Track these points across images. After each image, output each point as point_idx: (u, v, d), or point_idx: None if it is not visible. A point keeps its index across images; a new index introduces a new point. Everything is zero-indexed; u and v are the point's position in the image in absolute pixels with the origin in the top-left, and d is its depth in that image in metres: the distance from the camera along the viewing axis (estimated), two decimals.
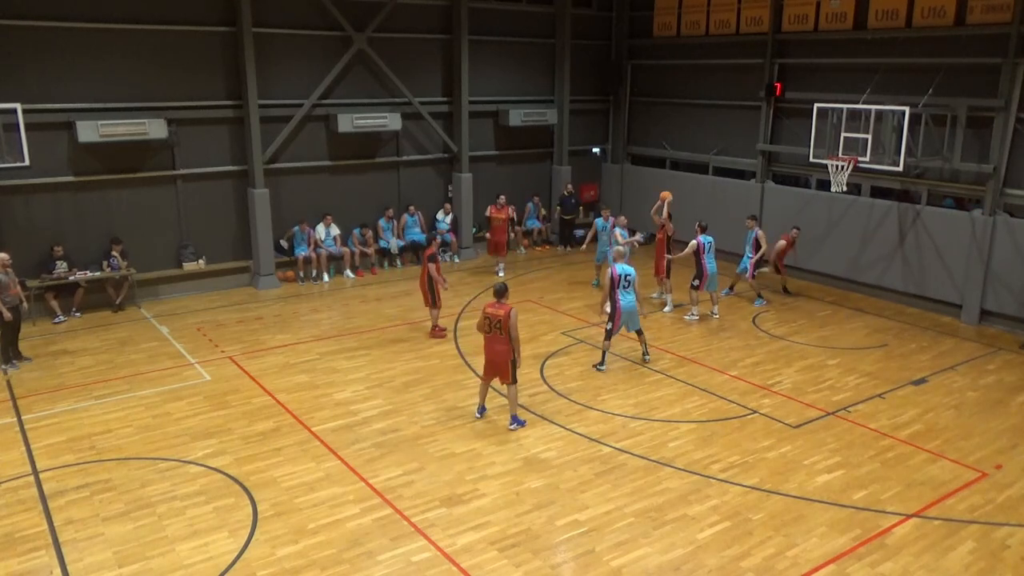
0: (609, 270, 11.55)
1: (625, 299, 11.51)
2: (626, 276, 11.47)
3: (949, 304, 14.58)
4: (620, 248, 12.31)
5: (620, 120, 20.81)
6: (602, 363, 11.76)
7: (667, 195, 14.96)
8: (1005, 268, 13.73)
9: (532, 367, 11.83)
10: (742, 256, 15.27)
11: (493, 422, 9.98)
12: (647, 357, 12.01)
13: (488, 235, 17.41)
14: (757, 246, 14.91)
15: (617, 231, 14.77)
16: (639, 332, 12.00)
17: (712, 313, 14.42)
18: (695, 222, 14.42)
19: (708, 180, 18.76)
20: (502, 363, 9.55)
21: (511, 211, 17.65)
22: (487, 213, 17.40)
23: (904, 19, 14.66)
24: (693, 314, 14.24)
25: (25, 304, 12.12)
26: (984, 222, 13.86)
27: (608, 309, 11.87)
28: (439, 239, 13.29)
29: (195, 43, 14.75)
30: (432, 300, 12.86)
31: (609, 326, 11.66)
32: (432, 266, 12.64)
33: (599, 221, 15.57)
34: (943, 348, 12.99)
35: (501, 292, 9.65)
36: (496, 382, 9.98)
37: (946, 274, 14.53)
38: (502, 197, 17.20)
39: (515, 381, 9.70)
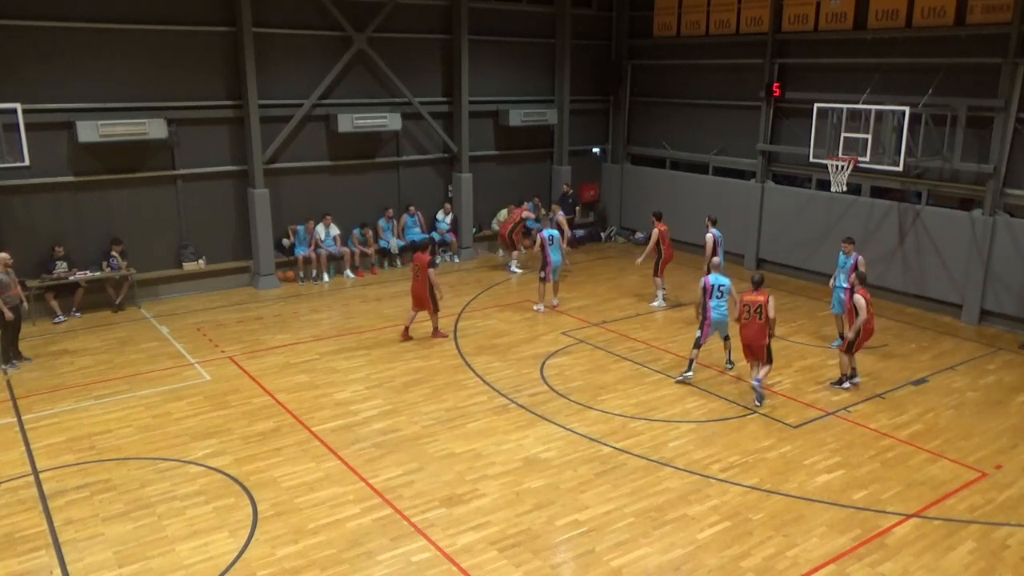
0: (702, 280, 11.48)
1: (716, 309, 11.32)
2: (719, 287, 11.30)
3: (949, 304, 14.58)
4: (716, 260, 12.16)
5: (620, 120, 20.80)
6: (688, 370, 11.42)
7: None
8: (1005, 268, 13.73)
9: (532, 367, 11.84)
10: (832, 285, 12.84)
11: (492, 421, 9.99)
12: (730, 366, 11.79)
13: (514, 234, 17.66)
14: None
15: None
16: (726, 338, 11.85)
17: None
18: (702, 220, 14.59)
19: (708, 180, 18.76)
20: (759, 345, 10.39)
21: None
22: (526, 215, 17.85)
23: (904, 19, 14.66)
24: None
25: (25, 304, 12.12)
26: (984, 222, 13.86)
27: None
28: (433, 245, 13.30)
29: (195, 43, 14.75)
30: (434, 305, 12.85)
31: (699, 334, 11.42)
32: (432, 272, 12.62)
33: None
34: (943, 348, 12.99)
35: (759, 282, 10.59)
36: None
37: (946, 274, 14.53)
38: (526, 203, 18.32)
39: (771, 361, 10.56)
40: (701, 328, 11.42)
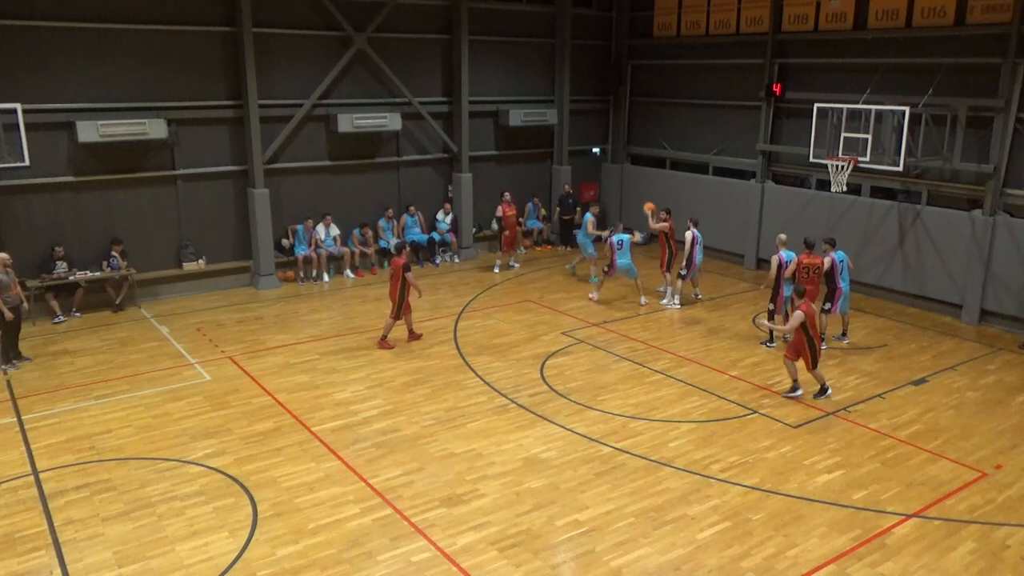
0: (776, 256, 12.45)
1: (787, 288, 12.35)
2: (789, 262, 12.39)
3: (949, 304, 14.58)
4: (782, 236, 12.96)
5: (620, 120, 20.80)
6: (771, 341, 12.83)
7: (650, 205, 15.79)
8: (1005, 268, 13.73)
9: (532, 367, 11.84)
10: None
11: (492, 421, 9.99)
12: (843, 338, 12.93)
13: (506, 232, 17.60)
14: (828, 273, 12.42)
15: (615, 238, 14.89)
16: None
17: (696, 295, 15.37)
18: (704, 223, 15.07)
19: (708, 180, 18.76)
20: (813, 298, 11.47)
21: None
22: (499, 213, 17.76)
23: (904, 19, 14.66)
24: (675, 302, 14.90)
25: (25, 304, 12.11)
26: (984, 222, 13.86)
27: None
28: (408, 249, 13.25)
29: (195, 43, 14.75)
30: (398, 312, 12.50)
31: (771, 307, 12.67)
32: (409, 275, 12.30)
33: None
34: (943, 348, 12.99)
35: (813, 245, 11.86)
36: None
37: (946, 274, 14.53)
38: (508, 194, 17.81)
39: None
40: (775, 302, 12.58)
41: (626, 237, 14.86)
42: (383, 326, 12.82)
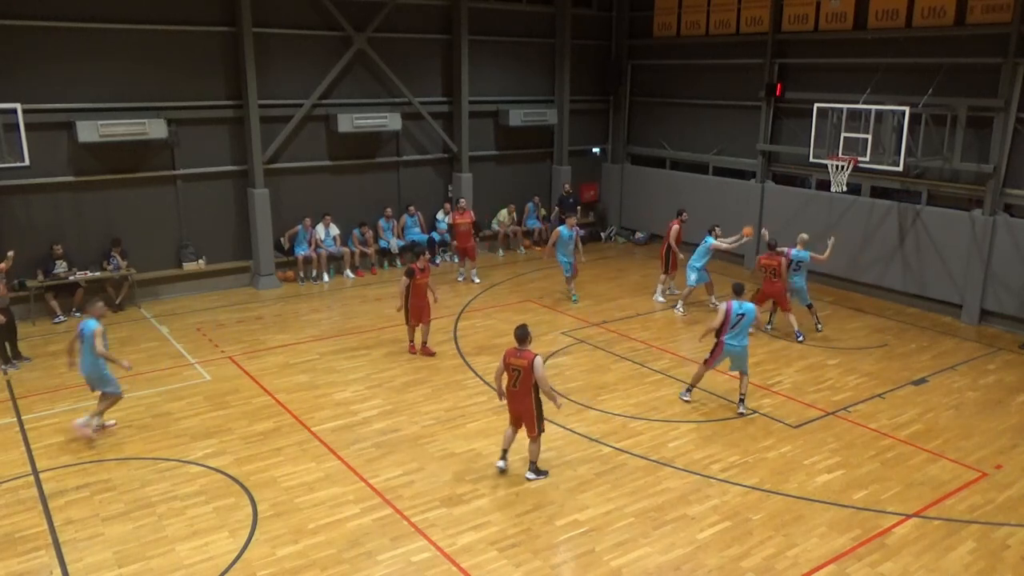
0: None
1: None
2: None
3: (949, 304, 14.58)
4: (803, 232, 13.49)
5: (620, 120, 20.80)
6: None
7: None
8: (1005, 268, 13.73)
9: None
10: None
11: (492, 421, 9.98)
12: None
13: (455, 241, 16.76)
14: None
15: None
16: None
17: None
18: (702, 220, 15.13)
19: (708, 180, 18.76)
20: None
21: (473, 215, 16.93)
22: (449, 220, 17.03)
23: (904, 19, 14.66)
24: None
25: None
26: (984, 222, 13.86)
27: None
28: (427, 255, 12.64)
29: (195, 43, 14.75)
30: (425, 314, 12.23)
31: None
32: (402, 281, 11.94)
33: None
34: (943, 348, 12.99)
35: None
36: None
37: (946, 274, 14.53)
38: (463, 201, 17.00)
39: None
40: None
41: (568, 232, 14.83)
42: (422, 334, 12.40)
